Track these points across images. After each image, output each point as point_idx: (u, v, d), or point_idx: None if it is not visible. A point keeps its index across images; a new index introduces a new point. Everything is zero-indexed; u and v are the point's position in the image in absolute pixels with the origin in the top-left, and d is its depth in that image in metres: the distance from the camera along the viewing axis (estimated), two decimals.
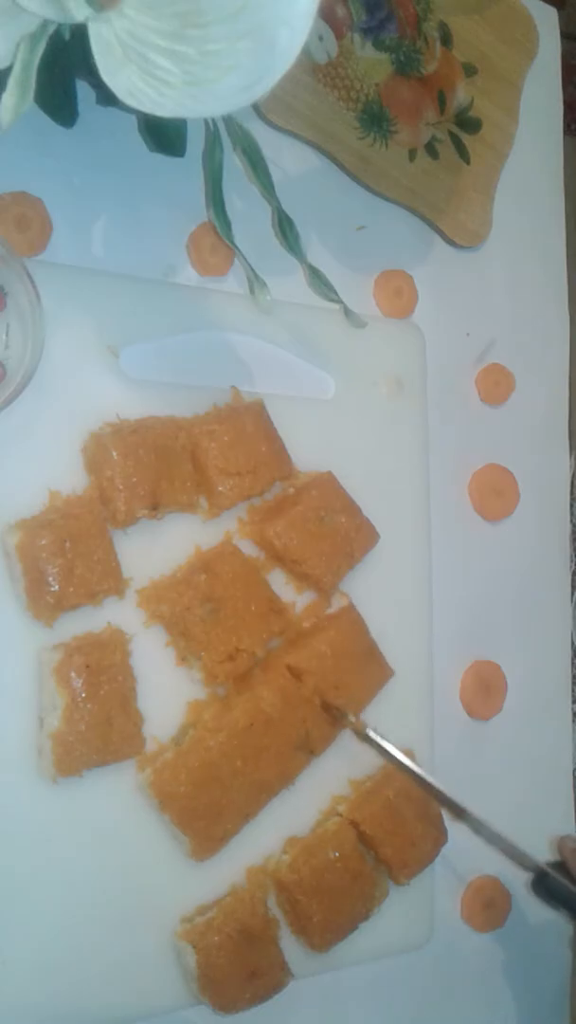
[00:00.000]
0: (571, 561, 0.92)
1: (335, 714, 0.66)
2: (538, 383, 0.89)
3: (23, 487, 0.59)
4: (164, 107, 0.45)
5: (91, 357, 0.62)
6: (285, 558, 0.66)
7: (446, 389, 0.82)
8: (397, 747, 0.69)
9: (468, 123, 0.84)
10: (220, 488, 0.64)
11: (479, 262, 0.87)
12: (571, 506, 0.93)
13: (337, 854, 0.66)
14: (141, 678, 0.61)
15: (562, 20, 0.94)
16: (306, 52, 0.66)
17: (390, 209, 0.80)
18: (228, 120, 0.62)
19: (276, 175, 0.66)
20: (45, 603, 0.57)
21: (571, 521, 0.92)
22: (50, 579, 0.57)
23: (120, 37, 0.45)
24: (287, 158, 0.75)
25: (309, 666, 0.66)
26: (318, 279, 0.71)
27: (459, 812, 0.67)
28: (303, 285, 0.73)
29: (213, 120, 0.63)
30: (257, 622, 0.64)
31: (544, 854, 0.85)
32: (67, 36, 0.47)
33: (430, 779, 0.67)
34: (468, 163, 0.84)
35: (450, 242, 0.84)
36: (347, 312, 0.72)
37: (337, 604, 0.70)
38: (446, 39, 0.82)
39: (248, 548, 0.67)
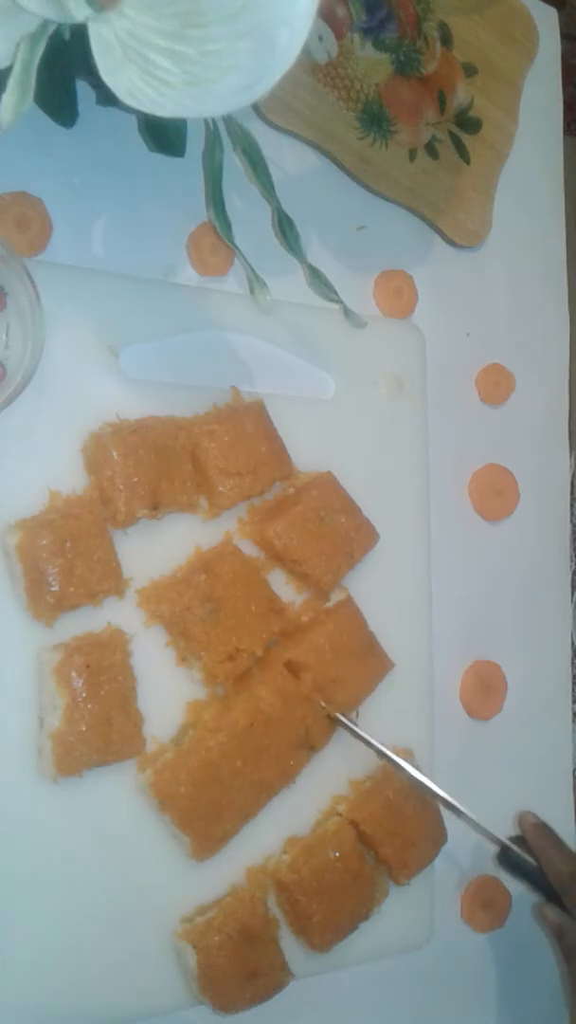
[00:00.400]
0: (571, 561, 0.92)
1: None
2: (538, 383, 0.89)
3: (23, 487, 0.59)
4: (164, 107, 0.45)
5: (91, 357, 0.62)
6: (285, 558, 0.66)
7: (446, 389, 0.82)
8: (393, 746, 0.70)
9: (468, 123, 0.84)
10: (220, 488, 0.64)
11: (479, 262, 0.87)
12: (571, 506, 0.93)
13: (337, 854, 0.66)
14: (141, 678, 0.61)
15: (562, 20, 0.94)
16: (306, 52, 0.66)
17: (390, 209, 0.80)
18: (228, 120, 0.62)
19: (276, 175, 0.66)
20: (45, 603, 0.57)
21: (571, 521, 0.92)
22: (50, 579, 0.57)
23: (120, 37, 0.45)
24: (287, 158, 0.75)
25: (307, 661, 0.66)
26: (318, 279, 0.71)
27: (430, 793, 0.70)
28: (303, 285, 0.73)
29: (213, 120, 0.63)
30: (257, 622, 0.64)
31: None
32: (67, 36, 0.47)
33: (403, 763, 0.69)
34: (468, 163, 0.84)
35: (450, 242, 0.84)
36: (347, 312, 0.72)
37: (335, 598, 0.70)
38: (446, 39, 0.82)
39: (248, 548, 0.67)
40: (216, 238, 0.68)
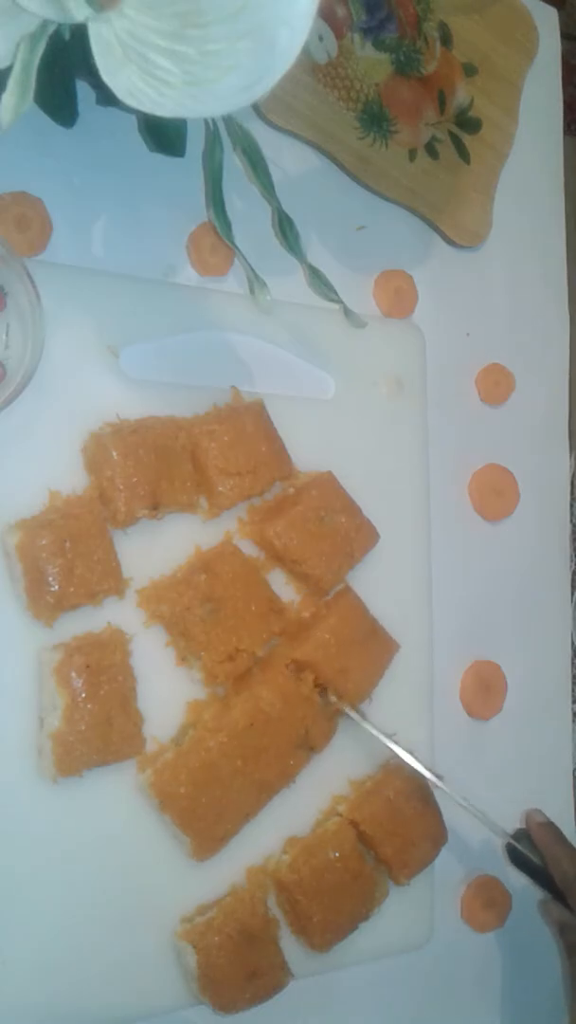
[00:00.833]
0: (571, 561, 0.92)
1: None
2: (538, 383, 0.89)
3: (23, 487, 0.59)
4: (164, 107, 0.45)
5: (91, 357, 0.62)
6: (285, 558, 0.66)
7: (446, 389, 0.82)
8: (398, 747, 0.70)
9: (468, 123, 0.84)
10: (220, 488, 0.64)
11: (479, 262, 0.87)
12: (571, 506, 0.93)
13: (337, 854, 0.66)
14: (141, 678, 0.61)
15: (562, 20, 0.94)
16: (306, 52, 0.66)
17: (390, 209, 0.80)
18: (228, 120, 0.62)
19: (276, 175, 0.66)
20: (45, 603, 0.57)
21: (571, 521, 0.92)
22: (50, 579, 0.57)
23: (120, 37, 0.44)
24: (287, 158, 0.75)
25: (314, 657, 0.66)
26: (318, 279, 0.71)
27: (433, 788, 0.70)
28: (303, 285, 0.73)
29: (213, 120, 0.63)
30: (257, 622, 0.64)
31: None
32: (67, 36, 0.47)
33: (406, 756, 0.68)
34: (468, 163, 0.84)
35: (450, 242, 0.84)
36: (347, 312, 0.72)
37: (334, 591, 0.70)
38: (446, 39, 0.82)
39: (248, 548, 0.67)
40: (216, 238, 0.68)
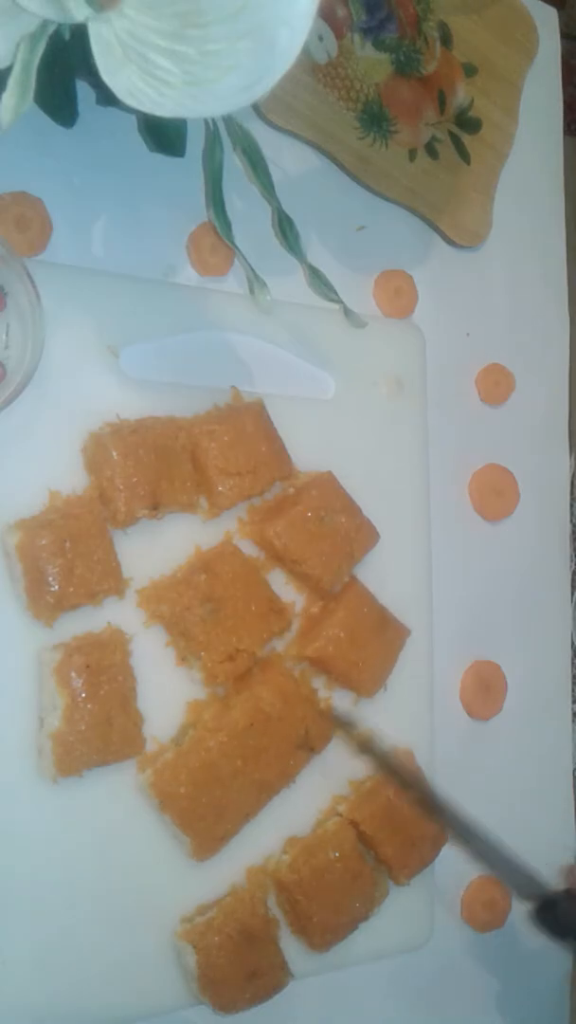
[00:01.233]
0: (571, 561, 0.92)
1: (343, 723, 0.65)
2: (538, 383, 0.89)
3: (23, 487, 0.59)
4: (164, 107, 0.45)
5: (91, 357, 0.62)
6: (285, 558, 0.66)
7: (446, 389, 0.82)
8: (393, 747, 0.70)
9: (468, 123, 0.84)
10: (220, 488, 0.64)
11: (479, 262, 0.87)
12: (571, 506, 0.93)
13: (337, 854, 0.66)
14: (141, 678, 0.61)
15: (562, 20, 0.94)
16: (306, 52, 0.66)
17: (390, 209, 0.80)
18: (228, 120, 0.62)
19: (276, 175, 0.66)
20: (45, 603, 0.57)
21: (571, 521, 0.92)
22: (50, 579, 0.57)
23: (120, 37, 0.45)
24: (287, 158, 0.75)
25: (326, 653, 0.66)
26: (318, 279, 0.71)
27: (448, 827, 0.66)
28: (303, 285, 0.73)
29: (213, 120, 0.63)
30: (257, 622, 0.64)
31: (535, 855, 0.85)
32: (67, 36, 0.47)
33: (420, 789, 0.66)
34: (468, 163, 0.84)
35: (450, 242, 0.84)
36: (347, 312, 0.72)
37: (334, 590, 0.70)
38: (446, 39, 0.82)
39: (248, 548, 0.67)
40: (216, 238, 0.68)
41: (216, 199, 0.65)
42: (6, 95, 0.46)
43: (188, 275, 0.70)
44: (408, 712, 0.74)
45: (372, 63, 0.77)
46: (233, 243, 0.66)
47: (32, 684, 0.58)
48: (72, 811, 0.59)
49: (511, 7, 0.87)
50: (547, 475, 0.90)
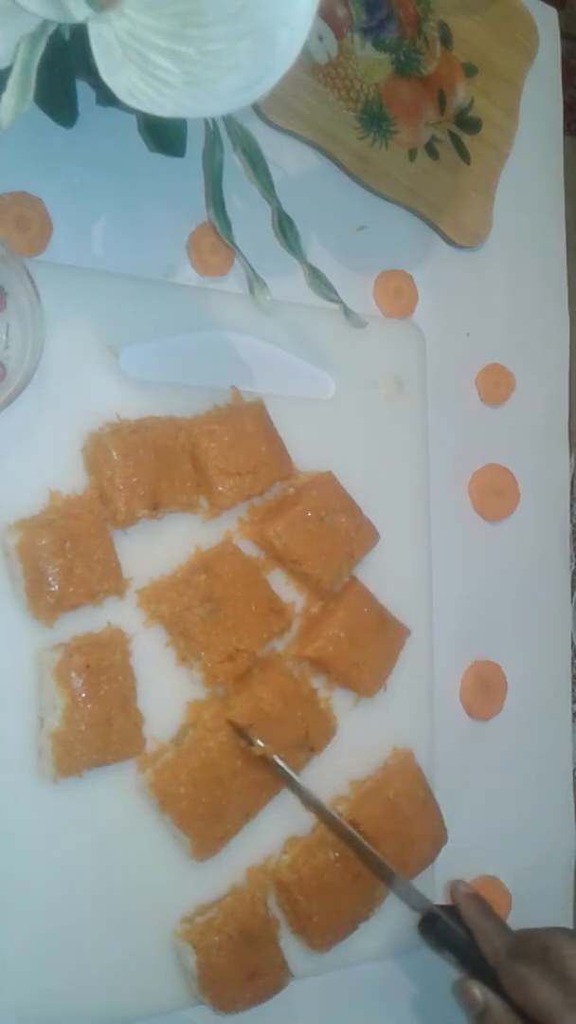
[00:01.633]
0: (571, 561, 0.92)
1: (243, 736, 0.63)
2: (538, 383, 0.89)
3: (23, 487, 0.59)
4: (164, 107, 0.45)
5: (91, 357, 0.62)
6: (285, 558, 0.66)
7: (446, 389, 0.82)
8: (393, 746, 0.69)
9: (468, 123, 0.84)
10: (220, 488, 0.64)
11: (479, 262, 0.87)
12: (571, 506, 0.93)
13: (337, 854, 0.66)
14: (141, 678, 0.61)
15: (562, 20, 0.94)
16: (306, 52, 0.66)
17: (390, 209, 0.80)
18: (228, 120, 0.62)
19: (276, 175, 0.66)
20: (45, 603, 0.57)
21: (571, 521, 0.92)
22: (50, 579, 0.57)
23: (120, 37, 0.45)
24: (287, 158, 0.75)
25: (327, 653, 0.66)
26: (318, 279, 0.71)
27: (353, 842, 0.66)
28: (303, 285, 0.73)
29: (213, 120, 0.63)
30: (257, 622, 0.64)
31: (537, 855, 0.85)
32: (67, 36, 0.47)
33: (333, 812, 0.66)
34: (468, 163, 0.84)
35: (450, 242, 0.84)
36: (347, 312, 0.72)
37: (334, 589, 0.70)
38: (446, 39, 0.82)
39: (248, 548, 0.67)
40: (216, 238, 0.68)
41: (216, 199, 0.65)
42: (6, 95, 0.46)
43: (188, 275, 0.70)
44: (408, 712, 0.74)
45: (372, 63, 0.77)
46: (233, 243, 0.66)
47: (32, 684, 0.58)
48: (72, 811, 0.59)
49: (511, 7, 0.87)
50: (547, 475, 0.90)
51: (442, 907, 0.68)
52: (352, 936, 0.67)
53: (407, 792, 0.70)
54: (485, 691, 0.81)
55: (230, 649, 0.63)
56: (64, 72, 0.56)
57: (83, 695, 0.57)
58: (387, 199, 0.79)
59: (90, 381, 0.62)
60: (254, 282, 0.67)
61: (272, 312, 0.69)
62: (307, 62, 0.73)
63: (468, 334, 0.85)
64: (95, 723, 0.57)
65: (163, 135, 0.63)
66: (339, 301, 0.72)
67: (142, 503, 0.60)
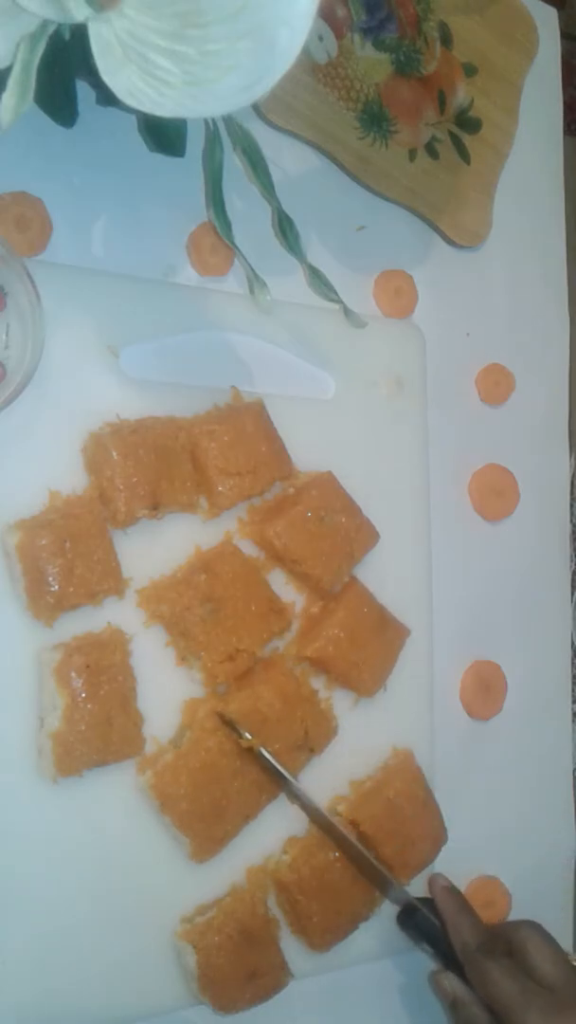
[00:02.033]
0: (571, 561, 0.92)
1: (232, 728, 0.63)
2: (538, 383, 0.89)
3: (23, 487, 0.59)
4: (164, 107, 0.45)
5: (91, 357, 0.62)
6: (285, 558, 0.66)
7: (446, 389, 0.82)
8: (393, 747, 0.69)
9: (468, 123, 0.84)
10: (220, 488, 0.64)
11: (479, 262, 0.87)
12: (571, 506, 0.93)
13: (337, 854, 0.66)
14: (141, 678, 0.61)
15: (562, 20, 0.94)
16: (306, 52, 0.66)
17: (390, 209, 0.80)
18: (228, 120, 0.62)
19: (276, 175, 0.66)
20: (45, 603, 0.57)
21: (571, 521, 0.92)
22: (50, 579, 0.57)
23: (120, 37, 0.45)
24: (287, 158, 0.75)
25: (327, 653, 0.66)
26: (318, 279, 0.71)
27: (332, 833, 0.67)
28: (303, 285, 0.73)
29: (213, 120, 0.63)
30: (257, 622, 0.64)
31: (536, 856, 0.85)
32: (67, 36, 0.47)
33: (319, 807, 0.66)
34: (468, 163, 0.84)
35: (450, 242, 0.84)
36: (347, 312, 0.72)
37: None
38: (446, 39, 0.82)
39: (248, 548, 0.67)
40: (216, 238, 0.68)
41: (216, 199, 0.65)
42: (6, 95, 0.46)
43: (188, 275, 0.70)
44: (408, 712, 0.74)
45: (372, 63, 0.77)
46: (233, 243, 0.66)
47: (32, 684, 0.58)
48: (72, 811, 0.59)
49: (511, 7, 0.87)
50: (547, 475, 0.90)
51: (421, 900, 0.69)
52: (352, 936, 0.67)
53: (407, 792, 0.70)
54: (485, 691, 0.81)
55: (230, 649, 0.63)
56: (64, 72, 0.56)
57: (83, 695, 0.57)
58: (387, 199, 0.79)
59: (90, 381, 0.62)
60: (254, 282, 0.67)
61: (272, 312, 0.69)
62: (307, 62, 0.73)
63: (468, 334, 0.85)
64: (95, 723, 0.57)
65: (163, 135, 0.63)
66: (339, 301, 0.72)
67: (142, 503, 0.60)
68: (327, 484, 0.69)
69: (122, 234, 0.67)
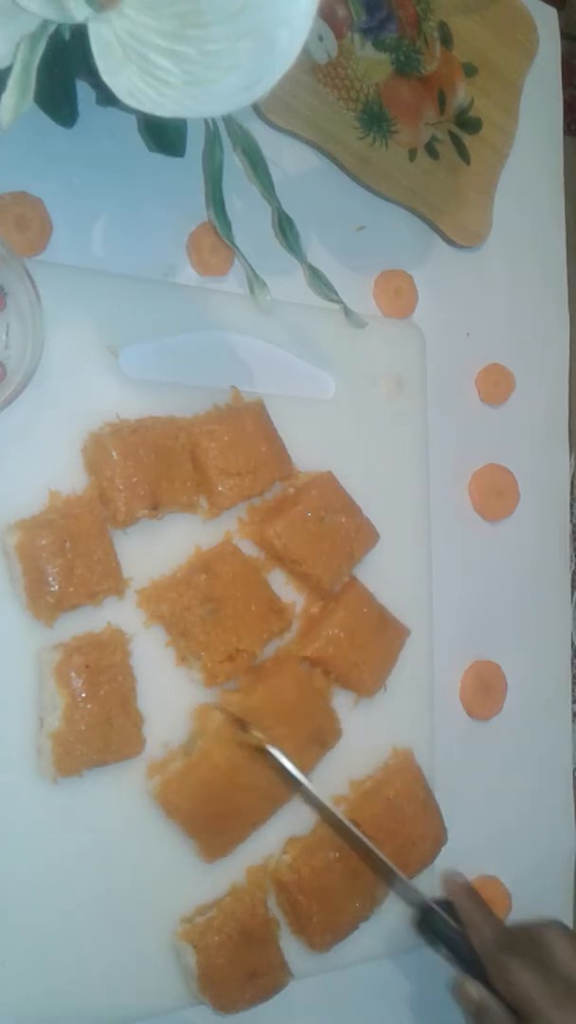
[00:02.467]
0: (571, 561, 0.92)
1: (240, 725, 0.63)
2: (538, 383, 0.89)
3: (23, 487, 0.59)
4: (164, 107, 0.45)
5: (91, 357, 0.62)
6: (285, 558, 0.66)
7: (446, 389, 0.82)
8: (393, 747, 0.69)
9: (468, 123, 0.84)
10: (220, 488, 0.64)
11: (479, 262, 0.87)
12: (571, 506, 0.93)
13: (337, 854, 0.66)
14: (141, 678, 0.61)
15: (562, 20, 0.94)
16: (306, 52, 0.66)
17: (390, 209, 0.80)
18: (228, 120, 0.62)
19: (276, 175, 0.66)
20: (45, 603, 0.57)
21: (571, 521, 0.92)
22: (50, 579, 0.57)
23: (120, 37, 0.45)
24: (287, 158, 0.75)
25: (327, 653, 0.66)
26: (318, 279, 0.71)
27: (350, 837, 0.66)
28: (303, 285, 0.73)
29: (213, 120, 0.63)
30: (257, 622, 0.64)
31: (534, 857, 0.85)
32: (67, 36, 0.47)
33: (327, 804, 0.65)
34: (468, 163, 0.84)
35: (450, 242, 0.84)
36: (347, 312, 0.72)
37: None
38: (446, 39, 0.82)
39: (248, 548, 0.67)
40: (216, 238, 0.68)
41: (216, 199, 0.65)
42: (6, 95, 0.46)
43: (188, 275, 0.70)
44: (408, 712, 0.74)
45: (372, 63, 0.77)
46: (233, 243, 0.66)
47: (32, 684, 0.58)
48: (72, 811, 0.59)
49: (511, 7, 0.87)
50: (547, 475, 0.90)
51: (438, 902, 0.69)
52: (352, 936, 0.67)
53: (407, 792, 0.70)
54: (485, 691, 0.81)
55: (230, 649, 0.63)
56: (64, 72, 0.56)
57: (83, 695, 0.57)
58: (387, 199, 0.79)
59: (90, 381, 0.62)
60: (254, 282, 0.67)
61: (272, 312, 0.69)
62: (307, 62, 0.73)
63: (468, 334, 0.85)
64: (95, 723, 0.57)
65: (163, 135, 0.63)
66: (339, 301, 0.72)
67: (142, 503, 0.60)
68: (327, 484, 0.69)
69: (122, 234, 0.67)
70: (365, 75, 0.76)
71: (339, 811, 0.66)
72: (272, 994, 0.63)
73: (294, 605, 0.68)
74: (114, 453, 0.59)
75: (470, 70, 0.84)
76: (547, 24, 0.92)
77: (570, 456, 0.93)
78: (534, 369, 0.89)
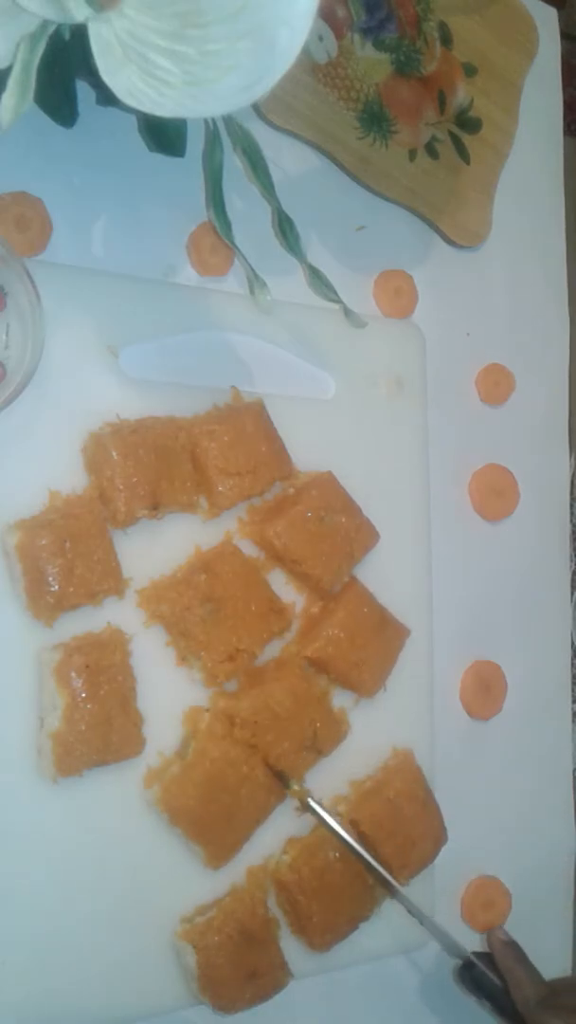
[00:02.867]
0: (571, 561, 0.92)
1: (281, 779, 0.65)
2: (538, 383, 0.89)
3: (23, 487, 0.59)
4: (164, 107, 0.45)
5: (91, 357, 0.62)
6: (285, 558, 0.66)
7: (446, 389, 0.82)
8: (393, 747, 0.69)
9: (468, 123, 0.84)
10: (220, 488, 0.64)
11: (479, 262, 0.87)
12: (571, 506, 0.93)
13: (337, 854, 0.66)
14: (141, 678, 0.61)
15: (562, 20, 0.94)
16: (306, 52, 0.66)
17: (390, 209, 0.80)
18: (228, 120, 0.62)
19: (276, 175, 0.66)
20: (45, 603, 0.57)
21: (571, 521, 0.92)
22: (50, 579, 0.57)
23: (120, 37, 0.45)
24: (287, 158, 0.75)
25: (327, 653, 0.66)
26: (318, 279, 0.71)
27: (391, 888, 0.67)
28: (303, 285, 0.73)
29: (213, 120, 0.63)
30: (257, 622, 0.64)
31: (538, 856, 0.85)
32: (67, 36, 0.47)
33: (365, 854, 0.66)
34: (468, 163, 0.84)
35: (450, 242, 0.84)
36: (347, 312, 0.72)
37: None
38: (446, 39, 0.82)
39: (248, 548, 0.67)
40: (216, 238, 0.68)
41: (216, 199, 0.65)
42: (6, 95, 0.46)
43: (188, 275, 0.70)
44: (408, 712, 0.74)
45: (372, 63, 0.77)
46: (233, 243, 0.66)
47: (32, 684, 0.58)
48: (72, 811, 0.59)
49: (511, 7, 0.87)
50: (547, 475, 0.90)
51: (478, 954, 0.69)
52: (352, 936, 0.67)
53: (407, 792, 0.70)
54: (485, 691, 0.81)
55: (230, 649, 0.63)
56: (64, 72, 0.56)
57: (83, 695, 0.57)
58: (387, 199, 0.79)
59: (90, 381, 0.62)
60: (254, 282, 0.67)
61: (272, 312, 0.69)
62: (307, 62, 0.73)
63: (468, 334, 0.85)
64: (95, 723, 0.57)
65: (163, 135, 0.63)
66: (339, 301, 0.72)
67: (142, 503, 0.60)
68: (327, 484, 0.69)
69: (122, 234, 0.67)
70: (365, 75, 0.76)
71: (374, 860, 0.66)
72: (272, 994, 0.63)
73: (294, 605, 0.68)
74: (114, 453, 0.59)
75: (470, 70, 0.84)
76: (547, 24, 0.92)
77: (570, 456, 0.93)
78: (534, 369, 0.89)
